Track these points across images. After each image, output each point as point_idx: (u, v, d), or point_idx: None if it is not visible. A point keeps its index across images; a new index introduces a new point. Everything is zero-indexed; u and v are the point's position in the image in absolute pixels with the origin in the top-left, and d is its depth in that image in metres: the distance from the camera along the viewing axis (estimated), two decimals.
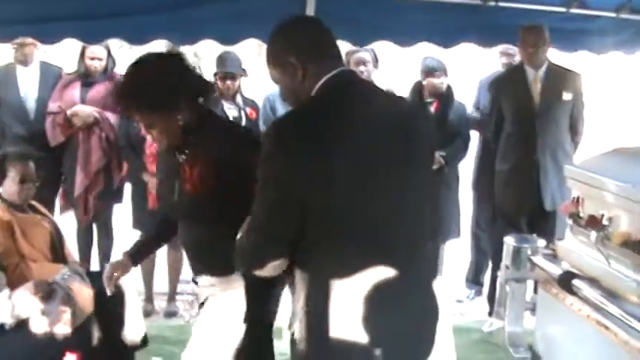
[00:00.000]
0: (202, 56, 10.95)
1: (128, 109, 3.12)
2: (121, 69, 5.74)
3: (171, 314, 6.01)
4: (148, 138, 4.86)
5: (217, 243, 3.00)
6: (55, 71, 6.15)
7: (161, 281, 6.14)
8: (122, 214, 6.17)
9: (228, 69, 5.81)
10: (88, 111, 5.80)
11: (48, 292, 3.86)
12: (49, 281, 3.97)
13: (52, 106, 5.87)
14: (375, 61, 6.13)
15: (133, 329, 4.15)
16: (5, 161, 4.34)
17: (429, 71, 6.01)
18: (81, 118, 5.80)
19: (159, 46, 5.46)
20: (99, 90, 5.86)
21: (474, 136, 6.46)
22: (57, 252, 4.41)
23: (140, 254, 3.60)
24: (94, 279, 3.99)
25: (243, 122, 5.76)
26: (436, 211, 5.54)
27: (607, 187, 3.68)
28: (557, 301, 3.96)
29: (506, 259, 4.51)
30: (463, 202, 6.43)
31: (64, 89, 5.94)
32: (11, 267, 4.12)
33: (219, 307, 3.20)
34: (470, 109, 6.44)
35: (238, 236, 2.64)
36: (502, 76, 6.13)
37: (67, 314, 3.82)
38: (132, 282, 4.28)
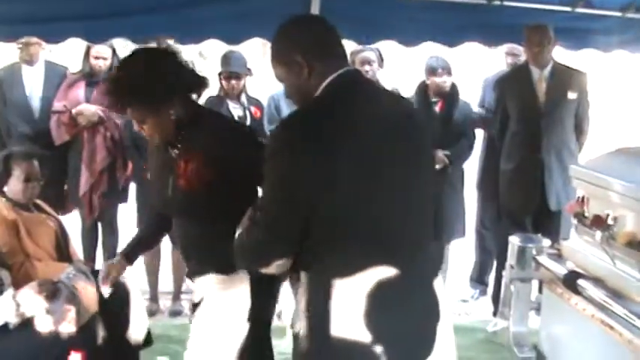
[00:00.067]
0: (207, 55, 10.97)
1: (120, 105, 3.10)
2: None
3: (176, 313, 6.01)
4: None
5: (216, 241, 3.01)
6: (60, 70, 6.16)
7: (166, 280, 6.14)
8: (127, 213, 6.18)
9: (233, 68, 5.82)
10: (93, 110, 5.81)
11: (53, 291, 3.86)
12: (54, 280, 3.97)
13: (57, 105, 5.88)
14: (380, 60, 6.12)
15: (137, 328, 4.16)
16: (10, 160, 4.35)
17: (432, 70, 6.01)
18: (86, 117, 5.81)
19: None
20: (104, 89, 5.86)
21: (479, 135, 6.45)
22: (62, 251, 4.42)
23: (135, 253, 3.60)
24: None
25: (248, 121, 5.76)
26: (439, 211, 5.58)
27: (612, 187, 3.67)
28: (562, 301, 3.96)
29: (511, 258, 4.50)
30: (468, 201, 6.42)
31: (69, 88, 5.94)
32: (16, 266, 4.13)
33: (222, 306, 3.19)
34: (475, 108, 6.43)
35: (237, 233, 2.65)
36: (507, 75, 6.12)
37: (71, 313, 3.83)
38: (136, 281, 4.28)
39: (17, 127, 5.95)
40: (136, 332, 4.14)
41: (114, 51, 5.97)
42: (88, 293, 3.97)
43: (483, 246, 6.62)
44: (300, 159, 2.40)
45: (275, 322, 3.40)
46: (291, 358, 2.69)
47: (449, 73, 5.99)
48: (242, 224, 2.68)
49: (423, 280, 2.63)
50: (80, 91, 5.91)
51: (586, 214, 3.92)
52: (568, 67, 5.77)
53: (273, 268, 2.56)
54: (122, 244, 3.89)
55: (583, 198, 3.99)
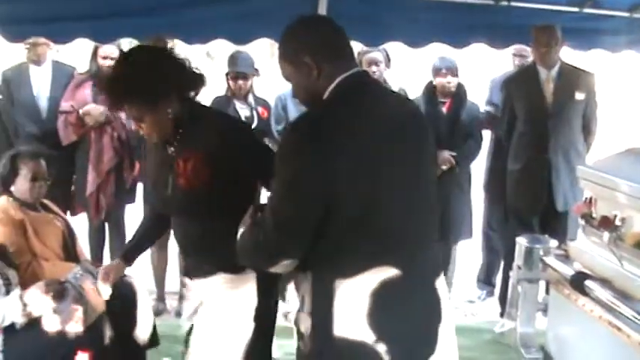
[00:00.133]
0: (215, 56, 10.97)
1: (117, 102, 3.09)
2: None
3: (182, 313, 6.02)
4: None
5: (217, 239, 3.02)
6: (67, 71, 6.17)
7: (173, 280, 6.15)
8: (134, 213, 6.18)
9: (240, 68, 5.82)
10: (100, 110, 5.81)
11: (60, 291, 3.87)
12: (61, 280, 3.98)
13: (65, 105, 5.88)
14: (388, 61, 6.13)
15: (144, 328, 4.16)
16: (17, 159, 4.35)
17: (437, 71, 6.02)
18: (93, 118, 5.81)
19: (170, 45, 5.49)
20: (101, 88, 5.86)
21: (486, 135, 6.44)
22: (69, 251, 4.43)
23: (133, 253, 3.58)
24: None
25: (255, 122, 5.77)
26: (446, 212, 5.59)
27: (620, 188, 3.67)
28: (569, 302, 3.96)
29: (518, 259, 4.50)
30: (475, 202, 6.42)
31: (76, 89, 5.95)
32: (23, 265, 4.14)
33: (228, 306, 3.18)
34: (482, 108, 6.42)
35: (240, 231, 2.66)
36: (515, 76, 6.11)
37: (79, 313, 3.83)
38: (143, 281, 4.29)
39: (25, 127, 5.95)
40: (143, 332, 4.15)
41: (121, 51, 5.97)
42: (96, 293, 3.97)
43: (490, 247, 6.61)
44: (310, 160, 2.40)
45: (282, 323, 3.41)
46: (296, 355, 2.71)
47: (453, 73, 5.99)
48: (244, 222, 2.69)
49: (425, 280, 2.64)
50: (87, 91, 5.92)
51: (593, 215, 3.92)
52: (576, 67, 5.76)
53: (280, 268, 2.57)
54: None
55: (590, 199, 3.99)
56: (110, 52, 5.85)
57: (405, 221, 2.55)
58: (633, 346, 3.35)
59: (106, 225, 6.12)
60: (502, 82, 6.16)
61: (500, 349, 5.30)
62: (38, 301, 3.79)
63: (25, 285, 3.94)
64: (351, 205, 2.43)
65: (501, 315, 5.72)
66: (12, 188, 4.32)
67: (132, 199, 6.16)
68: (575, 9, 5.80)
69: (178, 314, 5.99)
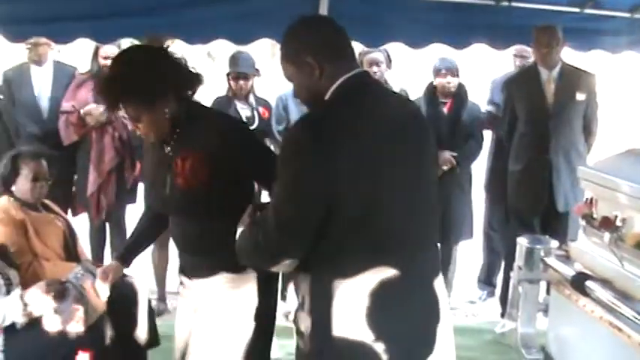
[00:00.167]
0: (216, 56, 10.97)
1: (114, 103, 3.08)
2: None
3: None
4: None
5: (215, 239, 3.04)
6: (68, 71, 6.18)
7: (174, 280, 6.14)
8: (136, 213, 6.18)
9: (241, 69, 5.82)
10: (101, 110, 5.81)
11: (61, 291, 3.87)
12: (62, 280, 3.98)
13: (66, 105, 5.89)
14: (389, 61, 6.13)
15: (145, 328, 4.16)
16: (18, 159, 4.35)
17: (436, 71, 6.03)
18: (94, 118, 5.81)
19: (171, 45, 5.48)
20: (96, 88, 5.87)
21: (487, 136, 6.44)
22: (70, 251, 4.43)
23: (130, 254, 3.58)
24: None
25: (256, 122, 5.77)
26: (447, 212, 5.59)
27: (621, 189, 3.67)
28: (570, 303, 3.96)
29: (519, 260, 4.50)
30: (475, 202, 6.42)
31: (77, 89, 5.95)
32: (24, 266, 4.14)
33: (229, 306, 3.18)
34: (484, 107, 6.42)
35: (239, 230, 2.67)
36: (516, 76, 6.11)
37: (79, 313, 3.83)
38: (144, 281, 4.29)
39: (26, 127, 5.96)
40: (143, 332, 4.15)
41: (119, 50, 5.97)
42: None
43: (491, 247, 6.61)
44: (312, 160, 2.41)
45: (283, 323, 3.41)
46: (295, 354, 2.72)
47: (453, 74, 5.99)
48: (242, 222, 2.70)
49: (424, 280, 2.65)
50: (89, 91, 5.92)
51: (594, 216, 3.92)
52: (577, 68, 5.77)
53: (280, 267, 2.58)
54: None
55: (591, 199, 3.99)
56: (111, 52, 5.84)
57: (406, 222, 2.56)
58: (634, 346, 3.36)
59: (107, 225, 6.13)
60: (503, 83, 6.17)
61: (500, 349, 5.30)
62: (39, 301, 3.78)
63: (25, 285, 3.93)
64: (353, 206, 2.44)
65: (502, 315, 5.73)
66: (13, 188, 4.32)
67: (133, 199, 6.16)
68: (576, 9, 5.80)
69: None
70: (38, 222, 4.32)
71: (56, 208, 4.59)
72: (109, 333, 3.93)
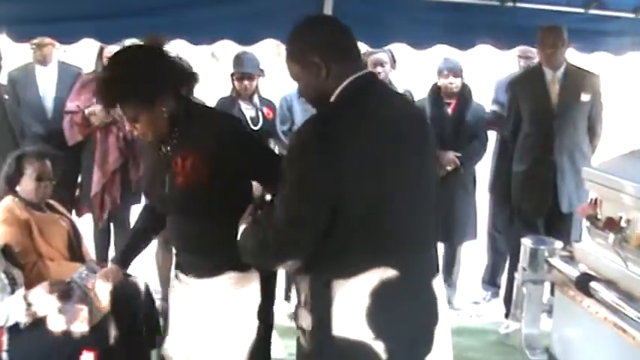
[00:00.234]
0: (220, 56, 10.97)
1: (111, 103, 3.07)
2: None
3: None
4: None
5: (216, 238, 3.05)
6: (73, 71, 6.19)
7: None
8: None
9: (245, 69, 5.81)
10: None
11: (65, 291, 3.87)
12: (67, 280, 3.99)
13: (70, 105, 5.89)
14: (393, 62, 6.13)
15: (149, 328, 4.17)
16: (23, 159, 4.36)
17: (439, 72, 6.05)
18: (98, 118, 5.81)
19: (176, 46, 5.49)
20: (94, 89, 5.87)
21: (492, 136, 6.44)
22: (74, 251, 4.44)
23: (128, 257, 3.58)
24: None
25: (261, 122, 5.77)
26: (450, 213, 5.59)
27: (625, 189, 3.67)
28: (575, 304, 3.95)
29: (523, 260, 4.50)
30: (479, 203, 6.41)
31: (82, 89, 5.95)
32: (29, 265, 4.15)
33: (233, 306, 3.19)
34: (488, 108, 6.42)
35: (241, 229, 2.69)
36: (520, 77, 6.10)
37: (84, 312, 3.84)
38: (149, 281, 4.29)
39: (30, 127, 5.96)
40: (148, 332, 4.15)
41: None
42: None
43: (495, 248, 6.60)
44: (319, 160, 2.42)
45: (287, 323, 3.42)
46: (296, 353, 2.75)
47: (455, 74, 5.99)
48: (244, 220, 2.71)
49: (423, 280, 2.67)
50: (93, 91, 5.92)
51: (599, 217, 3.92)
52: (581, 68, 5.76)
53: (285, 266, 2.60)
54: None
55: (596, 200, 3.99)
56: None
57: (408, 222, 2.58)
58: (638, 347, 3.35)
59: (112, 225, 6.13)
60: (508, 83, 6.16)
61: (505, 350, 5.30)
62: (43, 301, 3.79)
63: (30, 285, 3.94)
64: (357, 206, 2.46)
65: (506, 316, 5.72)
66: (17, 188, 4.33)
67: (137, 200, 6.15)
68: (581, 10, 5.79)
69: None
70: (42, 222, 4.33)
71: (61, 209, 4.60)
72: (113, 333, 3.94)
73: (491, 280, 6.65)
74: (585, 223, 4.09)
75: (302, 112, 5.78)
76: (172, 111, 3.06)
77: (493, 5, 5.69)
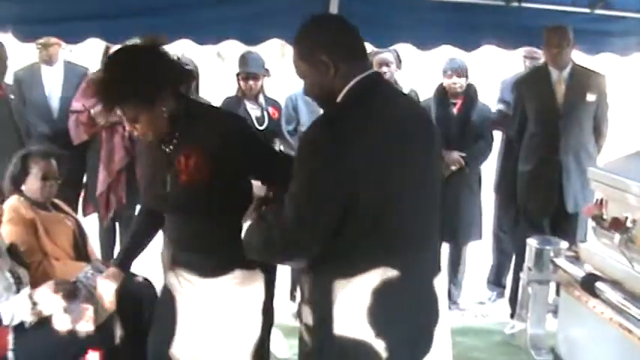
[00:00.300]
0: (226, 56, 10.97)
1: (111, 104, 3.07)
2: None
3: None
4: None
5: (219, 237, 3.06)
6: (79, 71, 6.20)
7: None
8: None
9: (251, 69, 5.81)
10: None
11: (70, 290, 3.87)
12: (72, 279, 3.99)
13: (76, 104, 5.89)
14: (398, 61, 6.13)
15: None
16: (28, 159, 4.37)
17: (444, 72, 6.06)
18: (104, 117, 5.82)
19: (181, 45, 5.50)
20: (92, 92, 5.86)
21: (497, 136, 6.43)
22: (80, 250, 4.44)
23: (128, 259, 3.57)
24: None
25: (266, 122, 5.77)
26: (455, 213, 5.58)
27: (631, 190, 3.66)
28: (580, 304, 3.95)
29: (528, 260, 4.50)
30: (485, 203, 6.41)
31: (88, 88, 5.96)
32: (34, 265, 4.15)
33: (240, 304, 3.20)
34: (494, 107, 6.41)
35: (246, 225, 2.70)
36: (526, 76, 6.10)
37: (89, 312, 3.84)
38: (154, 280, 4.29)
39: (36, 127, 5.97)
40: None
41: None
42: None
43: (501, 248, 6.59)
44: (330, 160, 2.43)
45: (293, 323, 3.42)
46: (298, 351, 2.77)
47: (459, 74, 5.99)
48: (248, 216, 2.72)
49: (424, 280, 2.68)
50: None
51: (604, 217, 3.91)
52: (587, 68, 5.75)
53: (292, 263, 2.62)
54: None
55: (601, 200, 3.98)
56: None
57: (412, 222, 2.60)
58: None
59: (117, 224, 6.14)
60: (513, 83, 6.16)
61: (510, 350, 5.29)
62: (48, 300, 3.79)
63: (35, 284, 3.94)
64: (365, 206, 2.47)
65: (511, 316, 5.72)
66: (23, 187, 4.33)
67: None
68: (587, 10, 5.79)
69: None
70: (48, 221, 4.33)
71: (66, 208, 4.61)
72: (118, 332, 3.94)
73: (496, 281, 6.65)
74: (591, 224, 4.09)
75: (307, 112, 5.79)
76: (172, 110, 3.06)
77: (498, 5, 5.68)
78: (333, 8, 5.20)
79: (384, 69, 5.91)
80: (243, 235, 2.71)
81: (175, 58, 3.14)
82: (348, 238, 2.50)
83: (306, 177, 2.48)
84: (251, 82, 5.80)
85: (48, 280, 3.96)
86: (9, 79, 5.91)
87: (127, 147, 5.88)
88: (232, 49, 6.66)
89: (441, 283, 2.74)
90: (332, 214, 2.46)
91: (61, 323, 3.80)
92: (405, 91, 5.53)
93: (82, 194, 6.12)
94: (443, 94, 6.07)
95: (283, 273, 5.82)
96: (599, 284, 3.69)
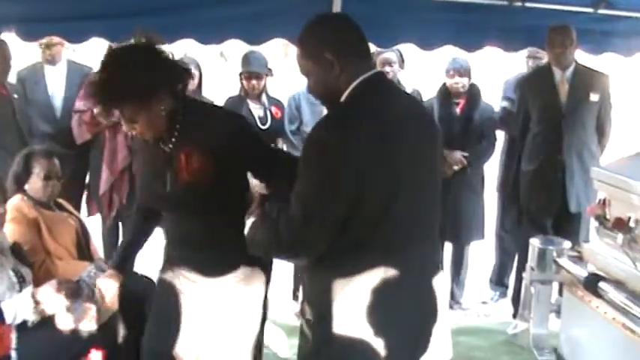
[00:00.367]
0: (228, 56, 10.98)
1: (109, 105, 3.08)
2: None
3: None
4: None
5: (220, 235, 3.07)
6: (82, 70, 6.19)
7: None
8: None
9: (253, 68, 5.82)
10: None
11: (74, 289, 3.88)
12: (75, 279, 3.99)
13: (79, 104, 5.89)
14: (401, 61, 6.13)
15: None
16: (31, 158, 4.37)
17: (446, 72, 6.05)
18: (107, 116, 5.82)
19: (184, 45, 5.50)
20: (90, 94, 5.86)
21: (500, 136, 6.43)
22: (83, 249, 4.44)
23: (125, 261, 3.58)
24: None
25: (269, 121, 5.77)
26: (459, 213, 5.58)
27: (634, 189, 3.66)
28: (583, 304, 3.95)
29: (531, 260, 4.50)
30: (487, 203, 6.40)
31: (87, 89, 5.96)
32: (37, 264, 4.15)
33: (242, 302, 3.22)
34: (497, 106, 6.41)
35: (250, 222, 2.71)
36: (529, 76, 6.10)
37: (92, 311, 3.84)
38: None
39: (39, 126, 5.97)
40: None
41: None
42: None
43: (503, 248, 6.59)
44: (338, 160, 2.45)
45: (296, 322, 3.44)
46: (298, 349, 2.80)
47: (461, 74, 5.98)
48: (251, 212, 2.73)
49: (424, 279, 2.70)
50: None
51: (607, 217, 3.91)
52: (590, 68, 5.74)
53: (298, 260, 2.63)
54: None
55: (604, 200, 3.98)
56: None
57: (413, 221, 2.61)
58: None
59: (120, 224, 6.14)
60: (517, 82, 6.16)
61: (512, 350, 5.29)
62: (51, 299, 3.79)
63: (38, 284, 3.94)
64: (370, 206, 2.49)
65: (514, 316, 5.72)
66: (26, 187, 4.33)
67: None
68: (590, 10, 5.78)
69: None
70: (51, 220, 4.33)
71: (69, 207, 4.61)
72: (121, 332, 3.95)
73: (499, 280, 6.65)
74: (594, 223, 4.09)
75: (310, 112, 5.79)
76: (171, 108, 3.07)
77: (501, 5, 5.68)
78: (336, 8, 5.20)
79: (387, 69, 5.91)
80: (246, 231, 2.72)
81: (171, 56, 3.13)
82: (350, 237, 2.51)
83: (313, 177, 2.49)
84: (254, 82, 5.80)
85: (51, 280, 3.96)
86: (12, 78, 5.91)
87: (129, 146, 5.87)
88: (235, 48, 6.67)
89: (440, 282, 2.75)
90: (338, 212, 2.47)
91: (64, 322, 3.81)
92: (408, 90, 5.52)
93: (86, 194, 6.13)
94: (446, 94, 6.07)
95: (286, 272, 5.83)
96: (602, 284, 3.69)
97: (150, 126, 3.06)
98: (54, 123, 6.02)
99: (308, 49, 2.63)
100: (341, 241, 2.51)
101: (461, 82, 5.99)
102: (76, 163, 5.56)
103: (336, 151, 2.44)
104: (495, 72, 9.04)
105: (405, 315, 2.60)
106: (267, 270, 3.28)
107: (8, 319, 3.70)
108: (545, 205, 5.75)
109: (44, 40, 5.79)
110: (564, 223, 5.69)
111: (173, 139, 3.12)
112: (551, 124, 5.63)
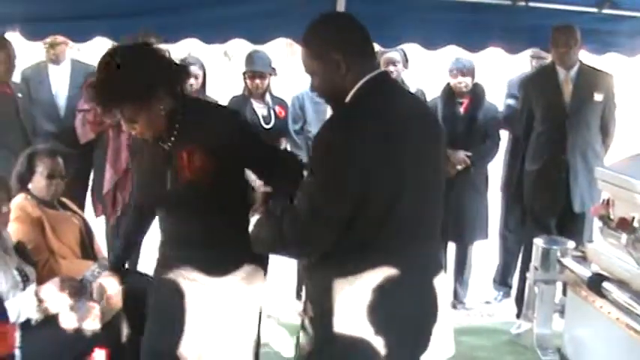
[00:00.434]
0: (232, 55, 10.98)
1: (109, 106, 3.06)
2: None
3: None
4: None
5: (221, 235, 3.08)
6: (86, 69, 6.18)
7: None
8: None
9: (257, 67, 5.82)
10: None
11: (77, 288, 3.88)
12: (79, 277, 3.99)
13: (83, 103, 5.90)
14: (405, 61, 6.13)
15: None
16: (34, 157, 4.37)
17: (449, 71, 6.05)
18: (109, 116, 5.82)
19: (188, 44, 5.51)
20: (90, 96, 5.88)
21: (504, 136, 6.42)
22: (86, 248, 4.44)
23: (124, 261, 3.62)
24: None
25: (272, 121, 5.78)
26: (462, 212, 5.58)
27: (638, 189, 3.66)
28: (587, 304, 3.95)
29: (535, 260, 4.50)
30: (492, 203, 6.40)
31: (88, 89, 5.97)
32: (41, 263, 4.15)
33: (249, 301, 3.23)
34: (502, 105, 6.41)
35: (254, 219, 2.71)
36: (533, 76, 6.09)
37: (96, 310, 3.84)
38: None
39: (43, 125, 5.98)
40: None
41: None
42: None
43: (507, 247, 6.59)
44: (345, 159, 2.45)
45: (299, 322, 3.43)
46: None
47: (463, 74, 5.98)
48: (255, 210, 2.73)
49: (425, 279, 2.70)
50: None
51: (611, 217, 3.91)
52: (594, 68, 5.74)
53: (302, 258, 2.64)
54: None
55: (608, 200, 3.98)
56: None
57: (416, 221, 2.62)
58: None
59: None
60: (520, 82, 6.15)
61: (516, 350, 5.29)
62: (55, 298, 3.79)
63: (42, 282, 3.95)
64: (375, 205, 2.49)
65: (518, 316, 5.71)
66: (30, 186, 4.34)
67: None
68: (594, 9, 5.78)
69: None
70: (55, 219, 4.34)
71: (73, 206, 4.61)
72: (125, 331, 3.95)
73: (502, 280, 6.64)
74: (597, 223, 4.08)
75: (314, 111, 5.80)
76: (170, 108, 3.07)
77: (505, 5, 5.68)
78: (340, 7, 5.21)
79: (391, 68, 5.91)
80: (250, 228, 2.72)
81: (167, 54, 3.14)
82: (355, 236, 2.52)
83: (319, 177, 2.50)
84: (258, 81, 5.81)
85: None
86: (16, 77, 5.92)
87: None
88: (239, 48, 6.67)
89: (441, 282, 2.76)
90: (343, 212, 2.48)
91: (68, 321, 3.81)
92: (412, 90, 5.53)
93: (90, 194, 6.13)
94: (449, 94, 6.07)
95: (290, 271, 5.83)
96: (605, 284, 3.69)
97: (150, 126, 3.06)
98: (58, 122, 6.03)
99: (314, 48, 2.63)
100: (345, 241, 2.51)
101: (464, 82, 5.98)
102: (79, 163, 5.55)
103: (340, 152, 2.45)
104: (499, 72, 9.04)
105: (406, 314, 2.61)
106: (264, 265, 3.29)
107: (12, 318, 3.70)
108: (549, 205, 5.74)
109: (48, 40, 5.80)
110: (568, 223, 5.69)
111: (172, 138, 3.12)
112: (555, 123, 5.63)
